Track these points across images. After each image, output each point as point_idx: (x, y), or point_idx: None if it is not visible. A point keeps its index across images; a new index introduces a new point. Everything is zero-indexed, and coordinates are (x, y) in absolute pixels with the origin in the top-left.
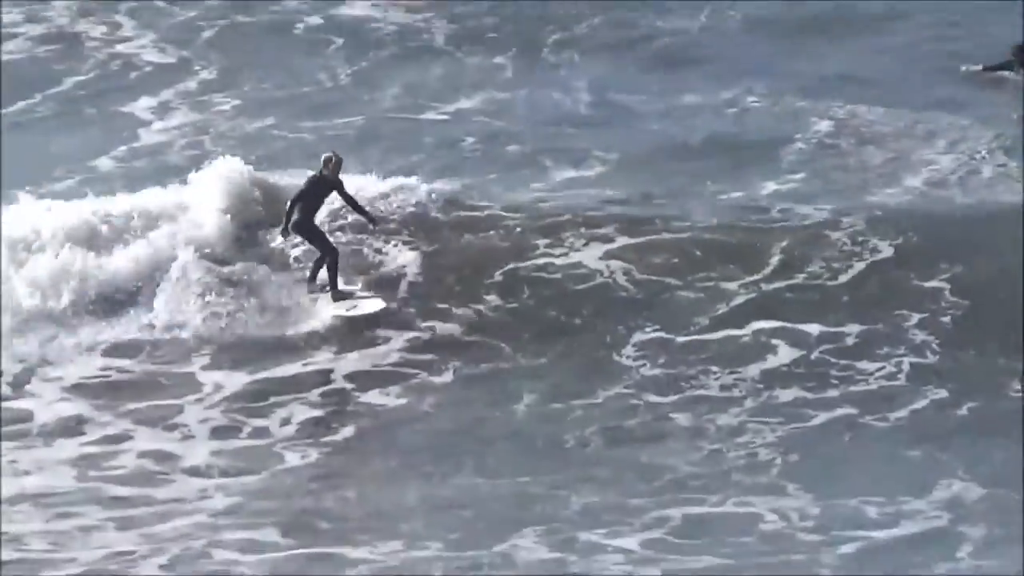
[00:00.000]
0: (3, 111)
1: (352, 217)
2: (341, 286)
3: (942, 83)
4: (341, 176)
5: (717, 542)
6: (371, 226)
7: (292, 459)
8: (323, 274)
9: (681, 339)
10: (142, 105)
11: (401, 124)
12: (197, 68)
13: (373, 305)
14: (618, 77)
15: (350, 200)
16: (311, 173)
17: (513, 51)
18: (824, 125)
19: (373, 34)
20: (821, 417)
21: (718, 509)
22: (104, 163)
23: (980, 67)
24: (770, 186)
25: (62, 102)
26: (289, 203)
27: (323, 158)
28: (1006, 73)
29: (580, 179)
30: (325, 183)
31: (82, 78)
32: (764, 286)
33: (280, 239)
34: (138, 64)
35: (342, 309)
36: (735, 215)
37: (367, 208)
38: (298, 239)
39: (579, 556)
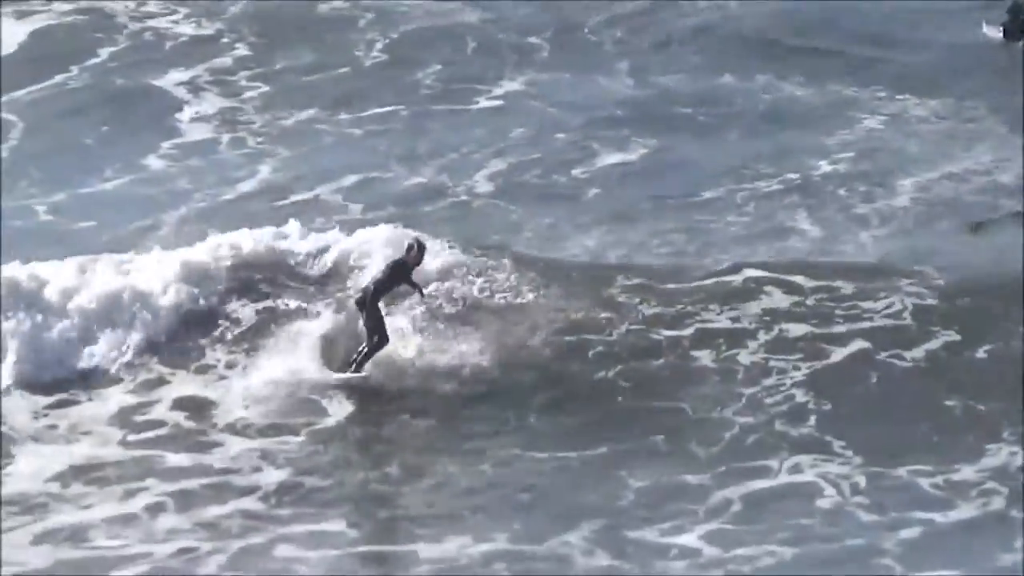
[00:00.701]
0: (40, 85)
1: None
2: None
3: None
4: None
5: (778, 525)
6: (421, 297)
7: (334, 410)
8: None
9: (670, 286)
10: (173, 79)
11: (442, 113)
12: (227, 40)
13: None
14: (659, 59)
15: (415, 285)
16: (393, 260)
17: (550, 32)
18: (865, 114)
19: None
20: (838, 353)
21: (776, 482)
22: (153, 162)
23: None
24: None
25: (98, 75)
26: (373, 289)
27: (406, 244)
28: None
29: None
30: (405, 270)
31: (115, 49)
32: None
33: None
34: (170, 36)
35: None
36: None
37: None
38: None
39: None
